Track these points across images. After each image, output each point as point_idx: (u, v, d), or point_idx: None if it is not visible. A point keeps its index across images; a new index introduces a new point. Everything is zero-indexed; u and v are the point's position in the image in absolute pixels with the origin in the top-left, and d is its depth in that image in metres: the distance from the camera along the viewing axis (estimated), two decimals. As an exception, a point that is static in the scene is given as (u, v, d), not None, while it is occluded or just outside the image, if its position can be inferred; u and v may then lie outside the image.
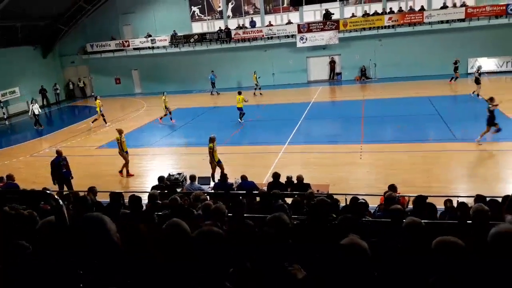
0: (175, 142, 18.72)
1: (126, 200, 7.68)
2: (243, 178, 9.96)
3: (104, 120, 22.68)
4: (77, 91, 35.37)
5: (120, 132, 14.38)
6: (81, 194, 8.29)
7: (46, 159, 16.77)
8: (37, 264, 2.59)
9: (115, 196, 7.68)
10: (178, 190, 10.12)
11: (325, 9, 29.23)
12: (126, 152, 14.29)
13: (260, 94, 27.83)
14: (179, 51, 32.15)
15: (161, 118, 22.15)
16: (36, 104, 24.24)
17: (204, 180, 10.92)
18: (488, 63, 27.68)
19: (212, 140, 12.60)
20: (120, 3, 32.69)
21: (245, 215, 5.67)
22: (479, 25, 26.83)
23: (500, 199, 6.59)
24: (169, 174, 11.81)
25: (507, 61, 27.42)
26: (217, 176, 11.81)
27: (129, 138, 19.93)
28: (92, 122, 22.85)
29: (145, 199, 8.25)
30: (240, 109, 20.31)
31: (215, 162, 12.65)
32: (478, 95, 20.82)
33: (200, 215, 5.56)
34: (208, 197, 8.36)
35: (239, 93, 20.59)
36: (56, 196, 2.80)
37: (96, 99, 23.00)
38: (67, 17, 31.80)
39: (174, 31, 31.90)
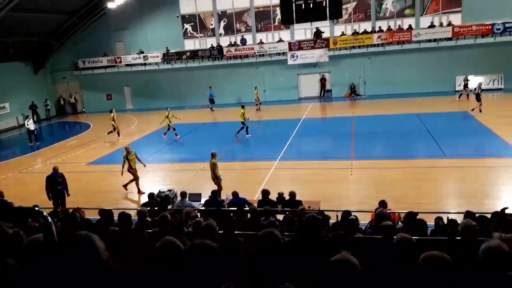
0: (165, 158, 18.64)
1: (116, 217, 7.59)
2: (235, 194, 9.96)
3: (118, 132, 22.82)
4: (68, 107, 35.23)
5: (128, 150, 14.39)
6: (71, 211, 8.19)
7: (35, 176, 16.61)
8: (24, 282, 2.55)
9: (104, 213, 7.60)
10: (169, 207, 10.04)
11: (316, 27, 29.68)
12: (134, 169, 14.28)
13: (258, 109, 27.98)
14: (171, 68, 32.31)
15: (165, 134, 21.86)
16: (31, 120, 23.78)
17: (195, 197, 10.85)
18: (475, 81, 28.13)
19: (214, 155, 12.57)
20: (113, 20, 32.90)
21: (236, 232, 5.63)
22: (466, 43, 27.43)
23: (489, 215, 6.64)
24: (160, 191, 11.72)
25: (493, 79, 27.98)
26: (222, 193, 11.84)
27: (119, 155, 19.88)
28: (108, 133, 23.21)
29: (135, 216, 8.18)
30: (242, 123, 20.34)
31: (217, 179, 12.52)
32: (480, 110, 21.20)
33: (191, 233, 5.52)
34: (198, 214, 8.31)
35: (242, 107, 20.74)
36: (45, 214, 2.78)
37: (111, 111, 23.33)
38: (59, 33, 31.88)
39: (166, 47, 32.11)
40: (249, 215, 7.71)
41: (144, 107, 33.20)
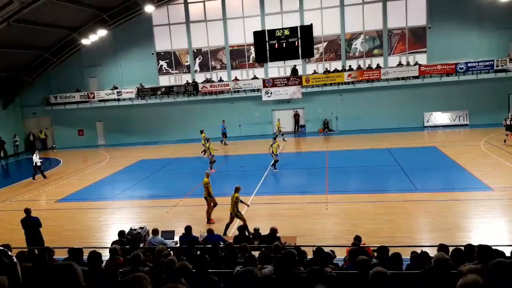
0: (137, 195, 18.21)
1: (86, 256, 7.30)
2: (209, 231, 9.78)
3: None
4: (37, 143, 34.30)
5: (208, 175, 14.02)
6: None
7: (2, 214, 15.90)
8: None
9: (73, 252, 7.30)
10: (141, 245, 9.74)
11: (293, 65, 30.58)
12: (212, 196, 13.82)
13: (284, 140, 28.15)
14: (146, 103, 32.27)
15: (211, 168, 20.75)
16: (38, 154, 22.22)
17: (168, 234, 10.57)
18: (442, 117, 29.39)
19: (237, 190, 12.43)
20: (86, 56, 32.89)
21: (209, 270, 5.50)
22: (432, 82, 28.72)
23: (462, 248, 6.74)
24: (131, 228, 11.37)
25: (459, 115, 29.20)
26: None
27: (90, 191, 19.40)
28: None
29: (105, 255, 7.89)
30: (275, 155, 20.01)
31: (237, 213, 12.30)
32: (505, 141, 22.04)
33: (164, 272, 5.35)
34: (171, 252, 8.08)
35: (274, 139, 20.83)
36: (9, 253, 2.64)
37: (202, 132, 24.67)
38: (31, 68, 31.53)
39: (140, 84, 32.18)
40: (224, 252, 7.56)
41: (117, 142, 32.74)
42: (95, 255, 6.67)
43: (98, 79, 33.58)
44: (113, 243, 9.19)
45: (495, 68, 27.72)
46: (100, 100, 32.77)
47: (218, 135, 28.71)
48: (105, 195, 18.44)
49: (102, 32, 29.97)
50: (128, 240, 9.63)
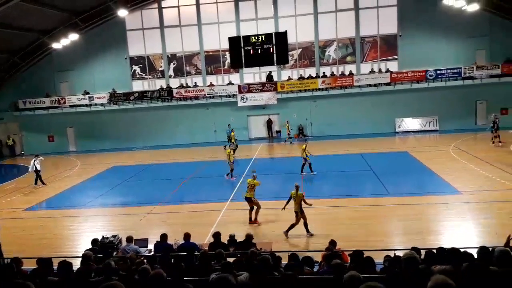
0: (109, 202, 17.80)
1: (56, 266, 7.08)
2: (187, 236, 9.46)
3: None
4: (5, 150, 33.17)
5: (254, 177, 13.85)
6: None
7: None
8: None
9: (42, 262, 7.06)
10: (114, 253, 9.52)
11: (269, 71, 30.75)
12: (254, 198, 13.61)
13: (291, 143, 28.66)
14: (118, 109, 31.73)
15: (231, 175, 20.08)
16: (39, 158, 21.29)
17: (141, 242, 10.37)
18: (413, 123, 30.16)
19: (298, 188, 12.29)
20: (57, 60, 32.14)
21: (184, 278, 5.42)
22: (403, 88, 29.48)
23: (434, 250, 6.90)
24: (103, 237, 11.10)
25: (429, 121, 30.03)
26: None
27: (61, 199, 18.87)
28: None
29: (77, 264, 7.67)
30: (304, 158, 19.69)
31: (301, 212, 12.12)
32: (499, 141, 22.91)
33: (137, 280, 5.24)
34: (145, 260, 7.93)
35: (305, 141, 20.73)
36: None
37: (232, 131, 25.85)
38: (-2, 72, 30.56)
39: (113, 89, 31.64)
40: (199, 259, 7.47)
41: (88, 148, 32.04)
42: (66, 265, 6.47)
43: (70, 84, 32.86)
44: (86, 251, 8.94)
45: (463, 75, 28.72)
46: (71, 106, 32.05)
47: (196, 140, 28.57)
48: (77, 203, 17.96)
49: (73, 36, 29.34)
50: (101, 249, 9.41)
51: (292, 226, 12.12)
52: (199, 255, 7.53)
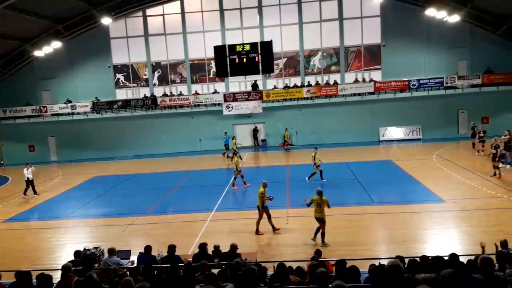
0: (91, 213, 17.40)
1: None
2: (172, 248, 9.24)
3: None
4: (-17, 159, 32.42)
5: (265, 185, 13.54)
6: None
7: None
8: None
9: (21, 275, 6.82)
10: (96, 265, 9.28)
11: (254, 80, 30.80)
12: (265, 207, 13.33)
13: (288, 150, 29.13)
14: (101, 117, 31.35)
15: (244, 183, 19.65)
16: (31, 168, 20.66)
17: (124, 254, 10.13)
18: (396, 132, 30.51)
19: (319, 193, 12.08)
20: (39, 68, 31.69)
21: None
22: (387, 97, 29.85)
23: (418, 259, 6.90)
24: (85, 249, 10.81)
25: (412, 130, 30.42)
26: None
27: (42, 210, 18.44)
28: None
29: (57, 277, 7.44)
30: (318, 166, 19.54)
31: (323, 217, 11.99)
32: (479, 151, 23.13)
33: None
34: (128, 272, 7.75)
35: (316, 148, 20.25)
36: None
37: (233, 138, 26.41)
38: (-23, 80, 29.94)
39: (96, 97, 31.27)
40: (183, 271, 7.32)
41: (71, 158, 31.52)
42: (45, 277, 6.27)
43: (52, 92, 32.37)
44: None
45: (445, 85, 29.23)
46: (53, 114, 31.54)
47: (181, 149, 28.36)
48: (58, 214, 17.57)
49: (56, 44, 29.00)
50: (81, 261, 9.16)
51: (319, 231, 12.07)
52: (183, 267, 7.39)
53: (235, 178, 19.79)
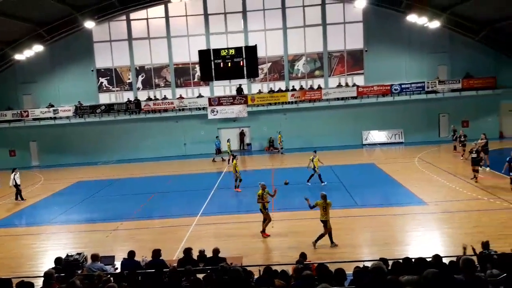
0: (74, 219, 17.15)
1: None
2: (156, 253, 9.19)
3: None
4: (-39, 164, 31.58)
5: (263, 188, 13.48)
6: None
7: None
8: None
9: (1, 283, 6.69)
10: (79, 272, 9.15)
11: (239, 84, 30.85)
12: (266, 210, 13.26)
13: (282, 153, 29.25)
14: (84, 122, 30.95)
15: (237, 187, 19.68)
16: (18, 173, 20.49)
17: (108, 260, 10.02)
18: (379, 136, 30.92)
19: (324, 197, 12.06)
20: (21, 72, 31.15)
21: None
22: (369, 102, 30.24)
23: (401, 261, 7.01)
24: (67, 255, 10.66)
25: (395, 134, 30.86)
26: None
27: (23, 216, 18.10)
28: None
29: (38, 284, 7.32)
30: (313, 170, 19.50)
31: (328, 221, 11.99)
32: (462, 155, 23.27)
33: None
34: (111, 278, 7.66)
35: (315, 151, 20.13)
36: None
37: (228, 141, 26.69)
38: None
39: (79, 101, 30.87)
40: (168, 276, 7.29)
41: (52, 163, 30.99)
42: (26, 285, 6.17)
43: (33, 96, 31.83)
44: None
45: (426, 89, 29.77)
46: (34, 119, 31.00)
47: (165, 153, 28.18)
48: (39, 220, 17.25)
49: (38, 48, 28.52)
50: (64, 267, 9.02)
51: (324, 235, 12.12)
52: (168, 272, 7.36)
53: (236, 181, 19.73)
